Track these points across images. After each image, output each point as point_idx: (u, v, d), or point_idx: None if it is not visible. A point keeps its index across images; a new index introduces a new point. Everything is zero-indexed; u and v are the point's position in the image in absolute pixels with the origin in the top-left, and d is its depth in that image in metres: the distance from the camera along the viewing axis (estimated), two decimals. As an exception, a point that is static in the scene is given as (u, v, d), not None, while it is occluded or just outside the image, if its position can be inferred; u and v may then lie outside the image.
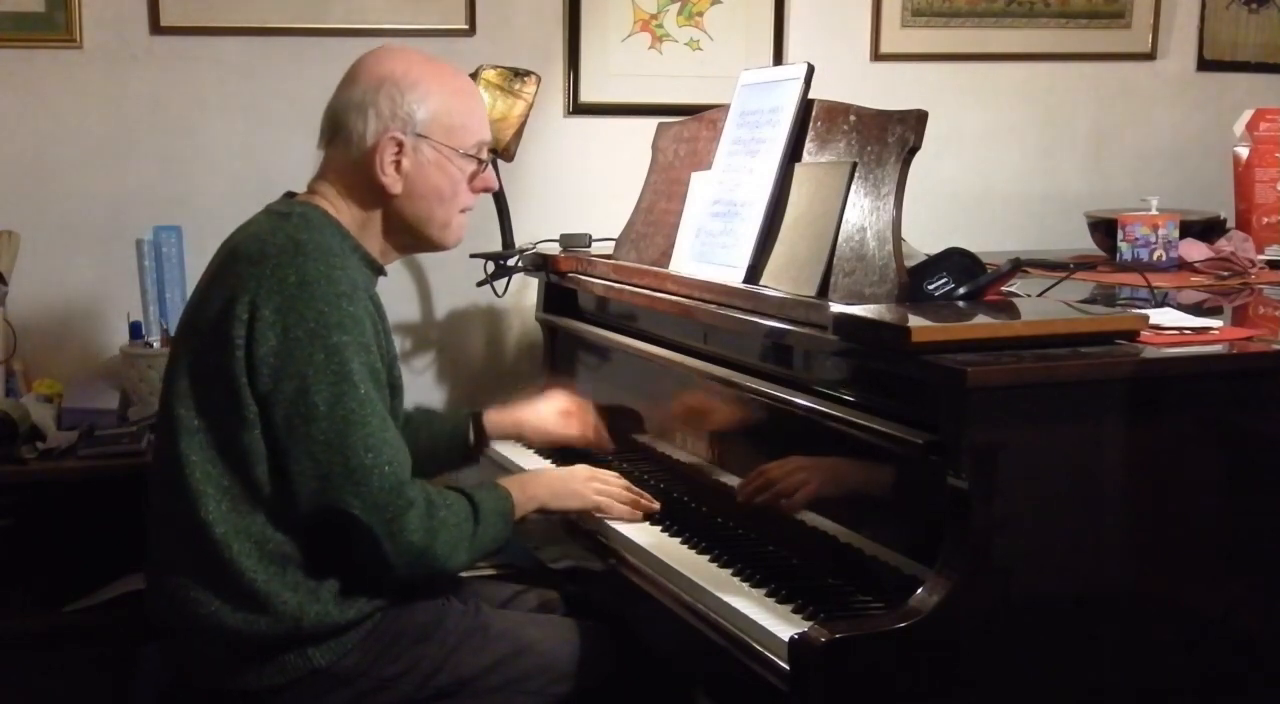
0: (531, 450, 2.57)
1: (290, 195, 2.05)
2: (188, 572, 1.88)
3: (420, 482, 1.90)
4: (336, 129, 1.99)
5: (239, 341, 1.82)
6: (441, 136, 1.98)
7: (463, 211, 2.05)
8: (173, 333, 2.74)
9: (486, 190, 2.08)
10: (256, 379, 1.82)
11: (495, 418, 2.38)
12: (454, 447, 2.35)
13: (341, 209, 1.99)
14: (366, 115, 1.95)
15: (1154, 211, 2.77)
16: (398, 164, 1.96)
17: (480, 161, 2.03)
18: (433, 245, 2.07)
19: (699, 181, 2.38)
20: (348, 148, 1.97)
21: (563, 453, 2.49)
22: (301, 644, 1.87)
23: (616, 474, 2.25)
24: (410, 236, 2.04)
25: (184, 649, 1.94)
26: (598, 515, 2.17)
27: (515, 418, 2.40)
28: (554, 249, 2.86)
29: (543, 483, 2.17)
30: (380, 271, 2.05)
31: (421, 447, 2.18)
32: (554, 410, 2.41)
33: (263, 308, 1.82)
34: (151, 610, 1.98)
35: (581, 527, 2.23)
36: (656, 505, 2.20)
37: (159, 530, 1.96)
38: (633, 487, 2.22)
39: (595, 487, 2.18)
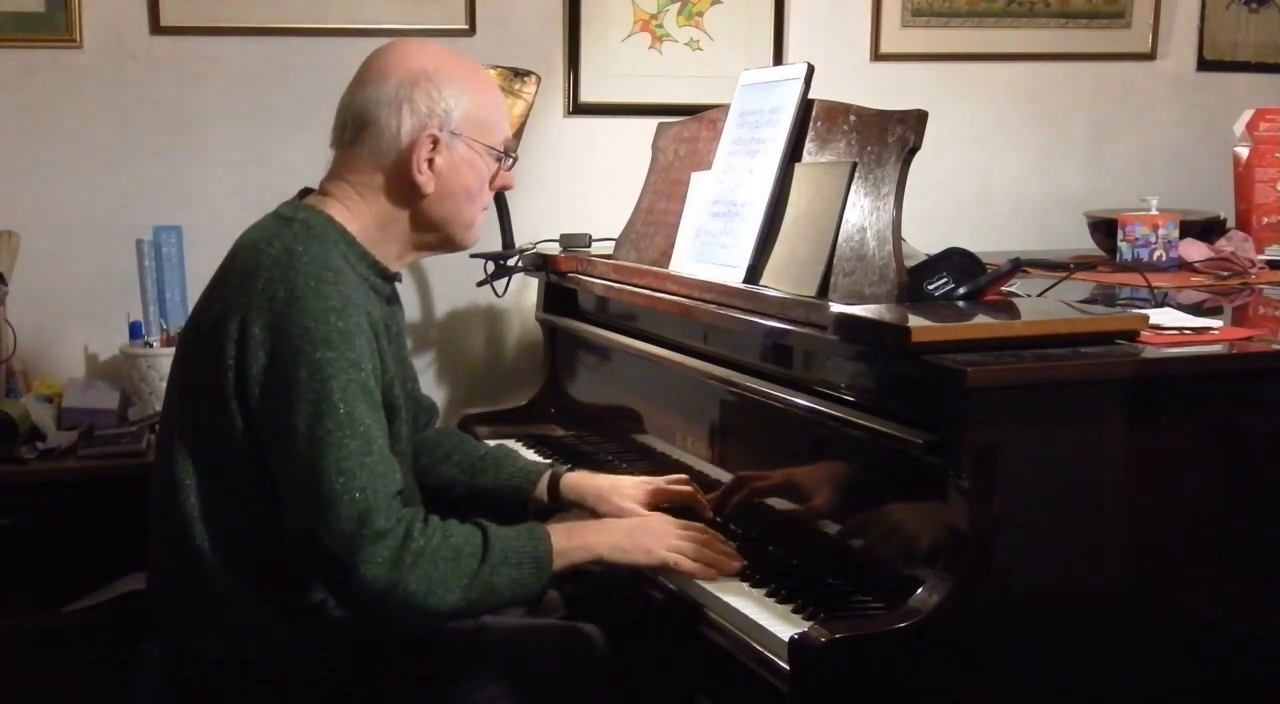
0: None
1: (305, 192, 1.98)
2: (182, 595, 1.87)
3: (411, 512, 1.76)
4: (362, 126, 1.90)
5: (230, 361, 1.78)
6: (475, 133, 1.92)
7: (483, 210, 2.00)
8: (173, 332, 2.75)
9: (504, 188, 2.02)
10: (248, 400, 1.77)
11: (575, 481, 2.17)
12: (515, 496, 2.17)
13: (358, 211, 1.92)
14: (401, 112, 1.87)
15: (1154, 211, 2.77)
16: (431, 162, 1.89)
17: (503, 157, 1.97)
18: (454, 245, 2.00)
19: (699, 181, 2.38)
20: (377, 146, 1.89)
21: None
22: (298, 662, 1.86)
23: (701, 527, 1.99)
24: (434, 236, 1.97)
25: (180, 660, 1.93)
26: (669, 571, 1.93)
27: (596, 485, 2.16)
28: (554, 249, 2.86)
29: (606, 532, 1.95)
30: (393, 278, 1.98)
31: (484, 487, 2.14)
32: (645, 492, 2.12)
33: (252, 326, 1.77)
34: (150, 615, 1.97)
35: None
36: (738, 563, 1.93)
37: (156, 549, 1.94)
38: (717, 538, 1.96)
39: (671, 543, 1.93)
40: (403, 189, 1.91)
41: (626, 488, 2.12)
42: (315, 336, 1.75)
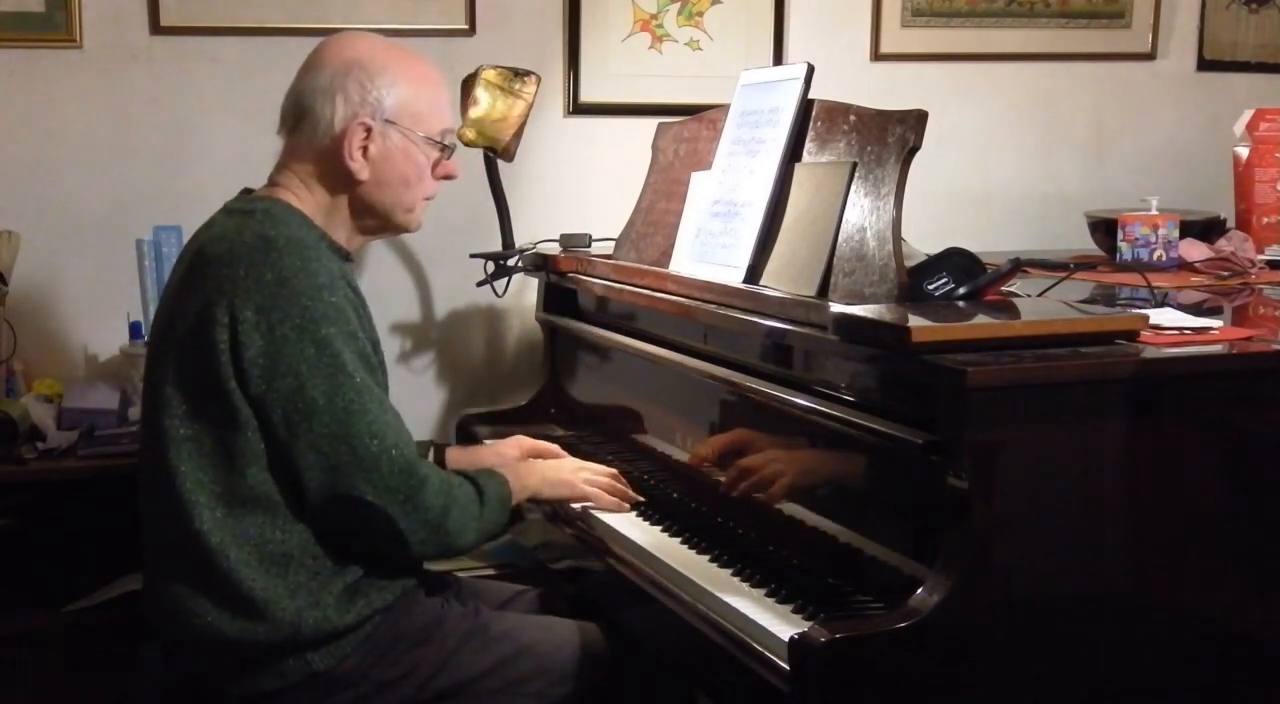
0: None
1: (248, 192, 2.03)
2: (184, 582, 1.87)
3: (428, 461, 1.94)
4: (301, 115, 1.98)
5: (223, 345, 1.81)
6: (408, 122, 1.99)
7: (426, 199, 2.06)
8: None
9: (448, 178, 2.09)
10: (247, 381, 1.81)
11: (456, 455, 2.33)
12: None
13: (305, 198, 1.99)
14: (334, 101, 1.95)
15: (1154, 211, 2.77)
16: (365, 150, 1.96)
17: (444, 148, 2.04)
18: (397, 230, 2.10)
19: (699, 181, 2.38)
20: (314, 134, 1.97)
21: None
22: (300, 649, 1.87)
23: (605, 466, 2.29)
24: (375, 220, 2.04)
25: (181, 656, 1.94)
26: (580, 507, 2.21)
27: (477, 457, 2.32)
28: (554, 249, 2.86)
29: (535, 472, 2.20)
30: (347, 258, 2.03)
31: None
32: (517, 454, 2.32)
33: (243, 309, 1.81)
34: (147, 617, 1.97)
35: (585, 536, 2.23)
36: (640, 498, 2.23)
37: (153, 542, 1.95)
38: (620, 477, 2.26)
39: (584, 476, 2.22)
40: (339, 176, 1.98)
41: (510, 455, 2.30)
42: (315, 314, 1.82)
